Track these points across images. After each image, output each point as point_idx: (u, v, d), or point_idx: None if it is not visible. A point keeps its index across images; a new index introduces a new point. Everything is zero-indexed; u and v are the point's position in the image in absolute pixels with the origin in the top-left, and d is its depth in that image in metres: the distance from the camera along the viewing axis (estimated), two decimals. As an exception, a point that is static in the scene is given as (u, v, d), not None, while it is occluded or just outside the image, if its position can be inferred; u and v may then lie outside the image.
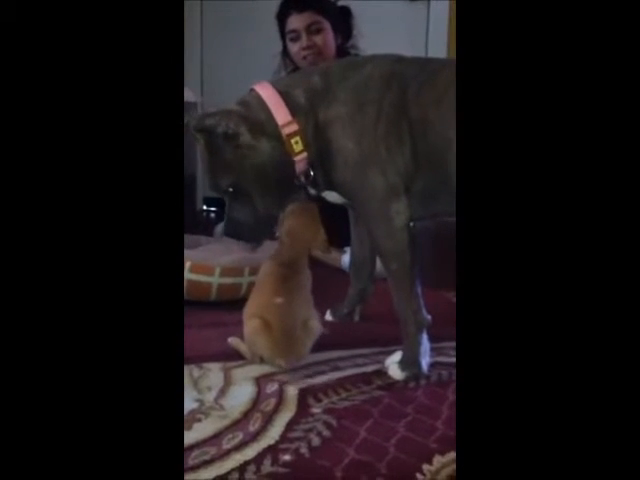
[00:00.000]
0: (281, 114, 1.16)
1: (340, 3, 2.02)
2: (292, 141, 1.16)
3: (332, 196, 1.27)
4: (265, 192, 1.18)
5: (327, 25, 1.93)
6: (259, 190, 1.17)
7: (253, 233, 1.20)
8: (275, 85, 1.20)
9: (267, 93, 1.18)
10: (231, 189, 1.17)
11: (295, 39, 1.93)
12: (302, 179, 1.21)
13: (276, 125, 1.15)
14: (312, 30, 1.91)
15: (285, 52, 2.01)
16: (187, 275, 1.52)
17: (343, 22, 2.00)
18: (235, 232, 1.21)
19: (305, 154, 1.17)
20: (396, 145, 1.14)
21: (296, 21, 1.91)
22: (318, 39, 1.92)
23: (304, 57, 1.93)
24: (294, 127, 1.16)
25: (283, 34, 1.97)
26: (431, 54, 2.77)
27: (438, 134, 1.12)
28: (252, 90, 1.21)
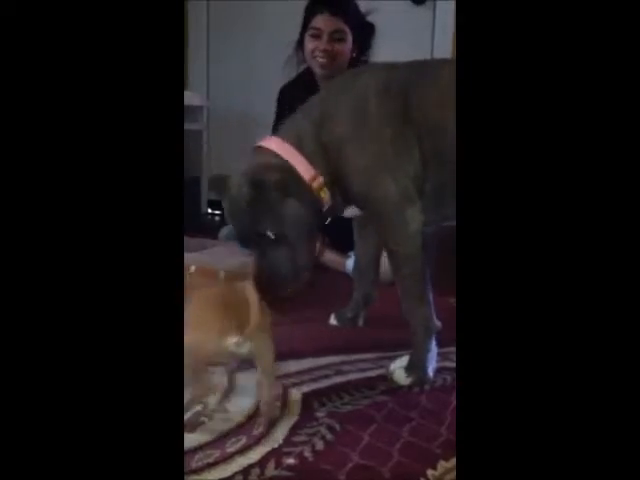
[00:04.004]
0: (305, 170, 1.17)
1: (363, 12, 1.99)
2: (321, 193, 1.18)
3: (351, 211, 1.28)
4: (306, 242, 1.19)
5: (349, 37, 1.93)
6: (301, 240, 1.17)
7: (290, 282, 1.16)
8: (285, 137, 1.20)
9: (284, 150, 1.18)
10: (273, 236, 1.14)
11: (316, 36, 1.91)
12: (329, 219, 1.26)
13: (302, 179, 1.16)
14: (335, 37, 1.90)
15: (300, 45, 1.99)
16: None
17: (365, 36, 1.99)
18: (271, 281, 1.13)
19: (330, 199, 1.21)
20: (404, 150, 1.15)
21: (323, 21, 1.90)
22: (338, 47, 1.91)
23: (316, 57, 1.92)
24: (320, 180, 1.18)
25: (305, 26, 1.95)
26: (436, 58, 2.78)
27: (445, 135, 1.13)
28: (260, 147, 1.21)
